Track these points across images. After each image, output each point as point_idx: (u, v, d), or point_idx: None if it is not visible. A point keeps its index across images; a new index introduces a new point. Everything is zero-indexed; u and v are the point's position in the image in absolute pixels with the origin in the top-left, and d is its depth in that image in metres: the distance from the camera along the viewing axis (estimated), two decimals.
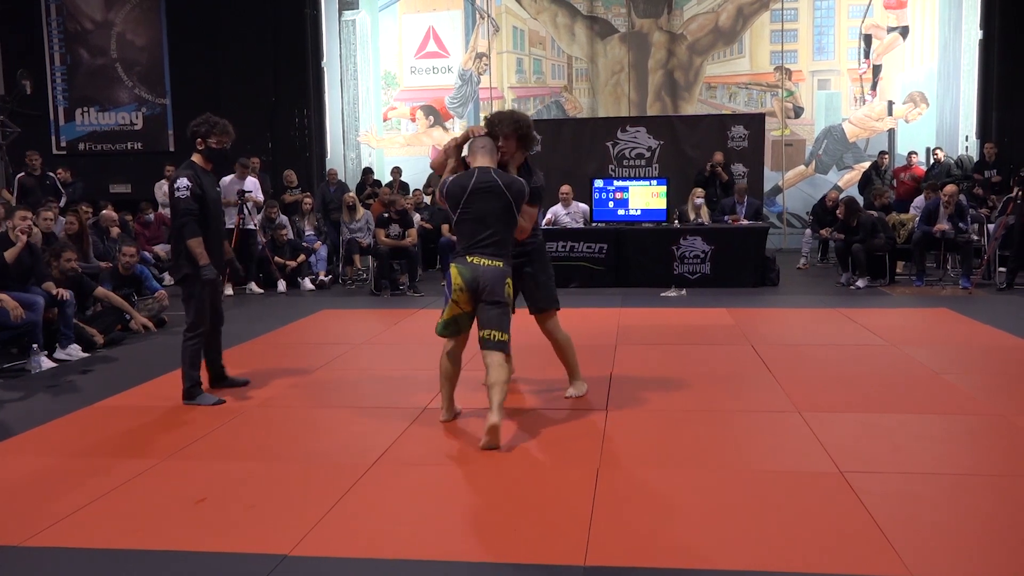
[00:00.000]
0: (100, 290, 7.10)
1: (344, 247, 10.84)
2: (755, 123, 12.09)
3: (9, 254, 6.23)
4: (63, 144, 14.43)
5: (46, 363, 6.05)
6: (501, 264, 4.16)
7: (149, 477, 3.77)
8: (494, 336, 4.13)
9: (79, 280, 6.89)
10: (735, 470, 3.73)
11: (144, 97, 14.34)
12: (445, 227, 10.72)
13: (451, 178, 4.29)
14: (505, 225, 4.20)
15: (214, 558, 2.96)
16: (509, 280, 4.20)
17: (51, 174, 10.96)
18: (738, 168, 11.79)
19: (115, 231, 9.17)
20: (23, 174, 10.62)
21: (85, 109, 14.48)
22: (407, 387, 5.28)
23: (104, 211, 9.31)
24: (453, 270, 4.19)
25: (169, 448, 4.14)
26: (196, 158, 4.94)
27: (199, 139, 4.90)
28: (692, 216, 10.44)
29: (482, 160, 4.28)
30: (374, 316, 8.30)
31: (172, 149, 13.99)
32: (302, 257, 10.42)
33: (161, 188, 12.12)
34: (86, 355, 6.41)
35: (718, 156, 11.43)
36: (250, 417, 4.68)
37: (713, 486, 3.52)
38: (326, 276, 10.57)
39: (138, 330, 7.19)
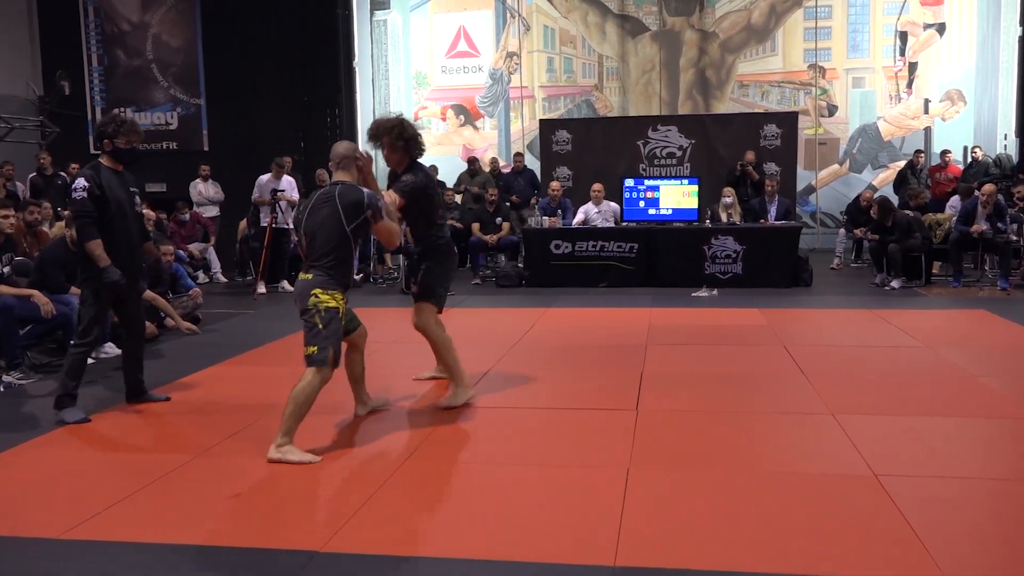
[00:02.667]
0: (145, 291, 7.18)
1: (375, 246, 10.90)
2: (788, 122, 11.96)
3: None
4: None
5: None
6: (311, 276, 4.02)
7: (183, 473, 3.82)
8: (305, 351, 3.99)
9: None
10: (766, 472, 3.70)
11: (179, 97, 14.52)
12: (475, 226, 10.74)
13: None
14: (327, 235, 4.00)
15: (246, 553, 2.99)
16: (317, 291, 3.97)
17: (62, 173, 11.13)
18: (771, 167, 11.67)
19: (148, 228, 9.27)
20: (34, 174, 10.82)
21: (122, 109, 14.66)
22: (438, 385, 5.30)
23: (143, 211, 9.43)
24: None
25: (203, 444, 4.19)
26: (104, 159, 4.73)
27: (106, 139, 4.68)
28: (724, 217, 10.37)
29: (339, 175, 4.19)
30: (405, 314, 8.27)
31: (206, 148, 14.17)
32: None
33: (196, 187, 12.27)
34: (120, 352, 6.49)
35: (749, 155, 11.32)
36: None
37: (744, 488, 3.49)
38: (357, 275, 10.62)
39: (175, 328, 7.28)
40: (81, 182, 4.57)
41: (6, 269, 5.83)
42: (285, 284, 10.11)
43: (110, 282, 4.58)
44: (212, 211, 12.03)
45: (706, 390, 5.07)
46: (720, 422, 4.45)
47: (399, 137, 4.61)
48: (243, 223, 11.25)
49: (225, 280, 11.24)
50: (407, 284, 9.79)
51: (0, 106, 12.37)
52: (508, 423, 4.53)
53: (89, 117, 14.59)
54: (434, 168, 12.58)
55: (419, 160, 4.77)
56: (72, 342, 4.78)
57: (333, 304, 3.99)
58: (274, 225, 9.90)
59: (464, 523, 3.22)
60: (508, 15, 14.38)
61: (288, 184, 10.31)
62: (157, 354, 6.53)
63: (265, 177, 10.25)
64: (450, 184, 12.54)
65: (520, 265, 10.42)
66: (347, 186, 4.08)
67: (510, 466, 3.85)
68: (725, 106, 13.77)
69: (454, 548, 2.99)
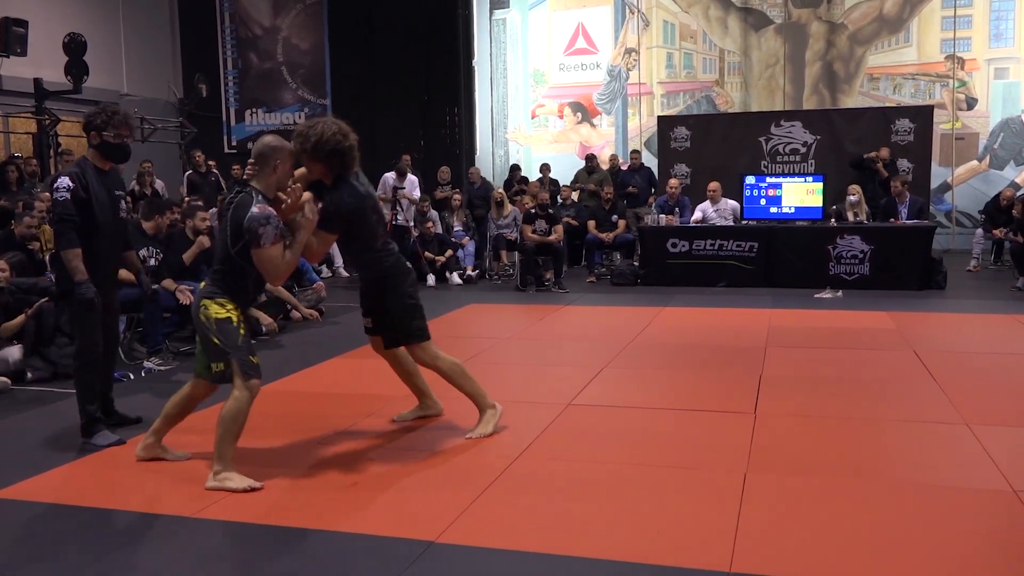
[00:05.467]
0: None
1: (491, 243, 11.03)
2: (922, 116, 11.39)
3: (188, 255, 6.69)
4: (234, 143, 15.40)
5: None
6: (203, 284, 3.71)
7: (306, 458, 3.97)
8: (211, 367, 3.67)
9: None
10: (892, 482, 3.54)
11: (307, 98, 15.09)
12: (591, 223, 10.71)
13: None
14: (220, 247, 3.66)
15: (365, 539, 3.08)
16: (205, 301, 3.61)
17: (215, 171, 11.98)
18: (903, 163, 11.13)
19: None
20: (191, 171, 11.76)
21: (253, 110, 15.40)
22: (552, 382, 5.32)
23: None
24: None
25: (322, 434, 4.34)
26: (90, 154, 4.28)
27: (93, 132, 4.19)
28: (850, 216, 9.96)
29: (256, 180, 3.70)
30: (520, 311, 8.40)
31: None
32: (450, 252, 10.68)
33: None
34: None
35: (884, 152, 10.83)
36: (399, 407, 4.83)
37: (869, 498, 3.35)
38: (473, 271, 10.78)
39: (300, 319, 7.62)
40: (65, 181, 4.10)
41: (152, 261, 6.20)
42: None
43: (82, 300, 4.08)
44: None
45: (829, 395, 4.89)
46: (843, 428, 4.28)
47: (316, 152, 4.00)
48: None
49: (347, 274, 11.60)
50: (522, 281, 9.97)
51: (144, 108, 13.14)
52: (621, 422, 4.50)
53: (224, 118, 15.36)
54: (546, 166, 12.67)
55: (352, 171, 4.09)
56: (73, 363, 4.36)
57: (224, 314, 3.60)
58: (395, 222, 10.16)
59: (576, 521, 3.21)
60: (627, 11, 14.25)
61: (410, 183, 10.70)
62: (277, 344, 6.81)
63: (391, 176, 10.63)
64: (565, 181, 12.55)
65: (636, 263, 10.33)
66: (245, 196, 3.57)
67: (623, 465, 3.82)
68: (854, 100, 13.23)
69: (565, 545, 2.99)
